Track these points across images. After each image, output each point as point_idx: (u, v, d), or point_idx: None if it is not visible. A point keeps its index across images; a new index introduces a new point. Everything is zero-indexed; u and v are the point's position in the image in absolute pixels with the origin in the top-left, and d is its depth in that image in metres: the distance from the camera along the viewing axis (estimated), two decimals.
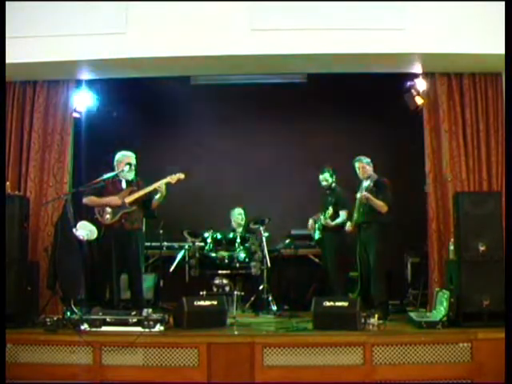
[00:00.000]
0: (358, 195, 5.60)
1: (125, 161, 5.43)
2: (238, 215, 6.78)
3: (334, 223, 6.10)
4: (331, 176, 6.29)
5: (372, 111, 7.24)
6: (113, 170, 5.45)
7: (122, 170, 5.37)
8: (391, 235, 5.54)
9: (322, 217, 6.17)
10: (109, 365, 4.35)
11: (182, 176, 5.41)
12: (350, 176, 5.92)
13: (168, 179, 5.36)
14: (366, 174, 5.66)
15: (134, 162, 5.46)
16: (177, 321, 4.74)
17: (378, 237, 5.50)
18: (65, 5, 5.32)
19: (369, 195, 5.47)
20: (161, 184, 5.31)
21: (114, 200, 5.29)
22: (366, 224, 5.60)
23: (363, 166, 5.69)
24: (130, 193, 5.35)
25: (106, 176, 5.32)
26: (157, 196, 5.36)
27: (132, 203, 5.31)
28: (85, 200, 5.34)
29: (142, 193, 5.34)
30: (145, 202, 5.42)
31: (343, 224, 6.10)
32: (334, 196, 6.22)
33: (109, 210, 5.26)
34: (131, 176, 5.45)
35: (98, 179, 5.26)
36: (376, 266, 5.46)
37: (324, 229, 6.23)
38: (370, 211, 5.55)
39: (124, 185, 5.44)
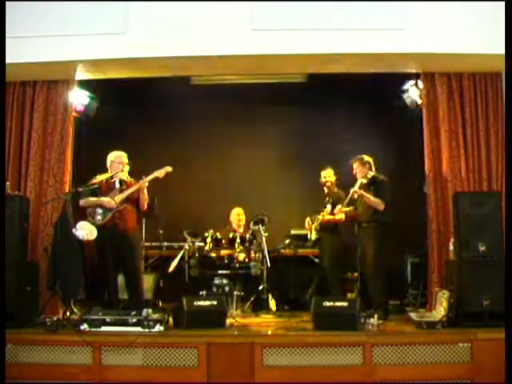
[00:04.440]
0: (351, 191, 5.58)
1: (119, 161, 5.43)
2: (236, 216, 6.78)
3: (332, 217, 6.11)
4: (335, 174, 6.31)
5: (372, 111, 7.24)
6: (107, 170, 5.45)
7: (122, 171, 5.37)
8: (390, 235, 5.52)
9: (319, 216, 6.17)
10: (108, 365, 4.35)
11: (169, 169, 5.39)
12: (350, 176, 5.91)
13: (156, 174, 5.35)
14: (360, 173, 5.65)
15: (126, 161, 5.46)
16: (176, 321, 4.74)
17: (376, 236, 5.48)
18: (64, 5, 5.32)
19: (361, 191, 5.47)
20: (148, 180, 5.31)
21: (107, 201, 5.27)
22: (366, 223, 5.59)
23: (356, 167, 5.69)
24: (121, 192, 5.35)
25: (101, 177, 5.32)
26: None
27: (122, 202, 5.30)
28: (81, 202, 5.33)
29: (130, 191, 5.34)
30: (138, 200, 5.41)
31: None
32: (332, 196, 6.23)
33: (100, 211, 5.25)
34: (124, 176, 5.45)
35: (95, 180, 5.26)
36: (375, 265, 5.45)
37: (321, 229, 6.24)
38: (368, 210, 5.55)
39: (118, 185, 5.43)
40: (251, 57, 5.39)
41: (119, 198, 5.31)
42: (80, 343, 4.36)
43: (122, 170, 5.41)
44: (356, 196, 5.54)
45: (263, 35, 5.30)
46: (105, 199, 5.28)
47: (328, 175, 6.31)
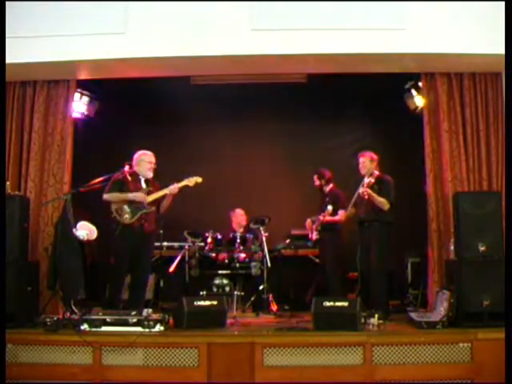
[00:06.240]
0: (360, 190, 5.55)
1: (148, 160, 5.40)
2: (240, 216, 6.77)
3: (332, 218, 6.11)
4: (319, 178, 6.32)
5: (372, 111, 7.24)
6: (122, 167, 5.43)
7: (130, 171, 5.34)
8: (391, 235, 5.53)
9: (320, 216, 6.17)
10: (109, 365, 4.35)
11: (199, 179, 5.38)
12: (350, 176, 5.92)
13: (186, 182, 5.35)
14: (365, 169, 5.64)
15: (154, 160, 5.43)
16: (177, 321, 4.74)
17: (379, 236, 5.48)
18: (65, 5, 5.33)
19: (370, 191, 5.44)
20: (178, 186, 5.29)
21: (140, 196, 5.24)
22: (368, 223, 5.57)
23: (363, 161, 5.68)
24: (148, 193, 5.32)
25: (110, 175, 5.28)
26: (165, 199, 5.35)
27: (150, 204, 5.28)
28: (106, 196, 5.26)
29: (161, 193, 5.32)
30: (159, 203, 5.40)
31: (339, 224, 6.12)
32: (330, 197, 6.23)
33: (127, 209, 5.21)
34: (151, 175, 5.42)
35: (100, 178, 5.24)
36: (376, 265, 5.44)
37: (322, 229, 6.23)
38: (372, 210, 5.52)
39: (143, 184, 5.40)
40: (251, 57, 5.39)
41: (149, 199, 5.27)
42: (80, 343, 4.36)
43: (149, 170, 5.38)
44: (367, 196, 5.47)
45: (263, 35, 5.30)
46: (138, 194, 5.23)
47: (315, 180, 6.33)
